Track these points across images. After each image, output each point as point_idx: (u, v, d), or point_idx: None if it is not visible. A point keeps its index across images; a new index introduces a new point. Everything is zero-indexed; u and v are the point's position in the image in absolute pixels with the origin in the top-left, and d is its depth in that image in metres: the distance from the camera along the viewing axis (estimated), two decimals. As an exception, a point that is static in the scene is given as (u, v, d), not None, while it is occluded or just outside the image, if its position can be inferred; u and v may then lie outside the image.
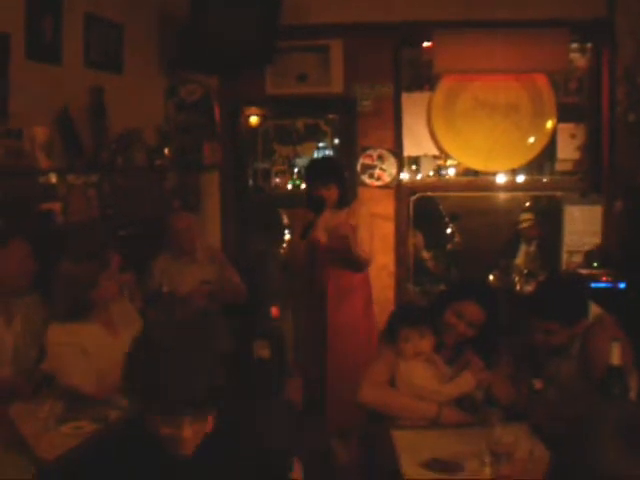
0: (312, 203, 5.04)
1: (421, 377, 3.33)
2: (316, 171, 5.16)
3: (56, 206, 4.45)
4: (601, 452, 1.52)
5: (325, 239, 4.95)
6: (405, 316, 3.48)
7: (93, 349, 3.46)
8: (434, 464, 2.69)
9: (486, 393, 3.29)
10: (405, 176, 6.45)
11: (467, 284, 3.82)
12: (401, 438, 3.00)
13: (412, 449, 2.87)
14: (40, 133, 4.28)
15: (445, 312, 3.41)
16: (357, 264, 4.98)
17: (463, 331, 3.39)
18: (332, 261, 5.00)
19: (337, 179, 5.03)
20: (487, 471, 2.61)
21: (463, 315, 3.39)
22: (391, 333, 3.44)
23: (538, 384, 3.26)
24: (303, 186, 6.89)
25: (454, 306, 3.41)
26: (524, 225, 6.72)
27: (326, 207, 4.96)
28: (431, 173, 6.58)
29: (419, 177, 6.56)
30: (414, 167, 6.56)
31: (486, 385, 3.29)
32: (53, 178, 4.46)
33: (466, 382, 3.29)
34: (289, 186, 7.12)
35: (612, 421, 1.58)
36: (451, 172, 6.60)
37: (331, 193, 4.97)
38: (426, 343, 3.37)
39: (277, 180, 7.19)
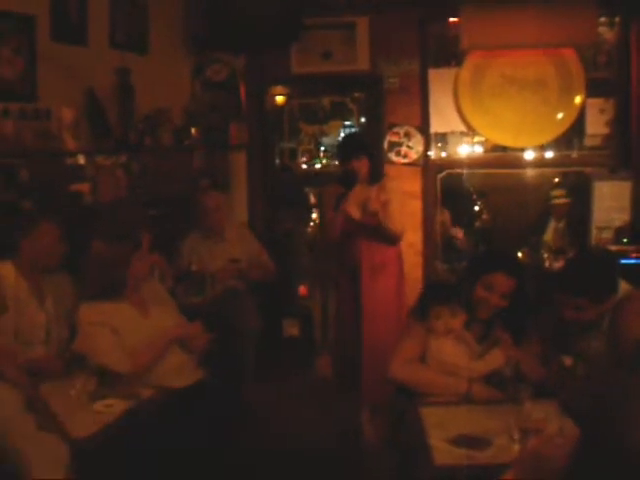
0: (344, 176, 5.06)
1: (451, 354, 3.33)
2: (348, 145, 5.23)
3: (85, 187, 4.49)
4: (629, 428, 1.52)
5: (357, 213, 4.96)
6: (436, 294, 3.48)
7: (124, 329, 3.48)
8: (462, 440, 2.70)
9: (515, 370, 3.28)
10: (432, 153, 6.42)
11: (492, 256, 3.82)
12: (429, 414, 3.00)
13: (440, 425, 2.87)
14: (67, 114, 4.31)
15: (475, 287, 3.40)
16: (389, 237, 5.01)
17: (496, 303, 3.38)
18: (365, 236, 5.01)
19: (368, 152, 5.06)
20: (516, 448, 2.61)
21: (493, 287, 3.39)
22: (422, 311, 3.45)
23: (568, 361, 3.24)
24: (330, 164, 6.92)
25: (483, 279, 3.40)
26: (556, 202, 6.66)
27: (357, 181, 4.98)
28: (459, 150, 6.54)
29: (446, 154, 6.52)
30: (441, 144, 6.52)
31: (515, 362, 3.28)
32: (81, 159, 4.51)
33: (495, 359, 3.29)
34: (316, 165, 7.13)
35: None
36: (479, 149, 6.55)
37: (362, 165, 4.99)
38: (457, 321, 3.37)
39: (304, 159, 7.19)
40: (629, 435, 1.50)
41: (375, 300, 5.04)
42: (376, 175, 5.06)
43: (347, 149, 5.13)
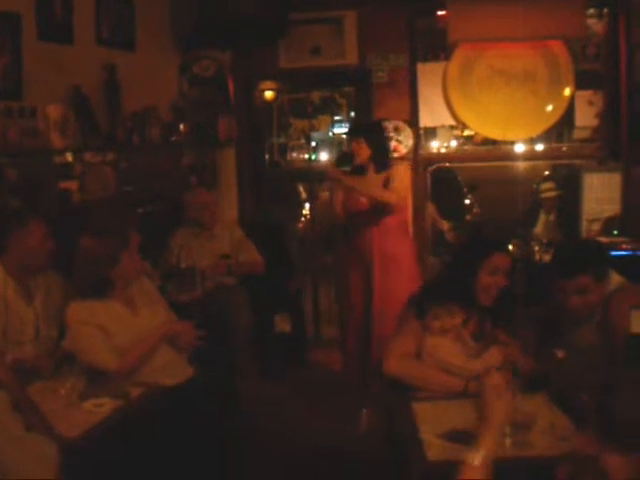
0: (342, 157, 5.11)
1: (448, 353, 3.32)
2: (349, 129, 5.26)
3: (73, 185, 4.47)
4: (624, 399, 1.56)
5: (365, 202, 4.99)
6: (433, 293, 3.45)
7: (113, 327, 3.46)
8: (453, 435, 2.69)
9: (512, 369, 3.26)
10: (422, 147, 6.41)
11: (484, 240, 3.81)
12: (421, 409, 2.99)
13: (432, 420, 2.86)
14: (54, 112, 4.28)
15: (478, 275, 3.38)
16: (384, 210, 4.99)
17: (501, 284, 3.38)
18: (377, 226, 5.02)
19: (366, 135, 5.06)
20: (507, 441, 2.60)
21: (498, 268, 3.38)
22: (419, 309, 3.42)
23: (560, 353, 3.23)
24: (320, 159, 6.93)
25: (486, 265, 3.38)
26: (546, 194, 6.67)
27: (353, 164, 5.03)
28: (448, 144, 6.53)
29: (436, 148, 6.52)
30: (431, 138, 6.52)
31: (513, 360, 3.26)
32: (69, 157, 4.48)
33: (493, 357, 3.27)
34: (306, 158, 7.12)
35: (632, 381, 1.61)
36: (468, 142, 6.56)
37: (360, 148, 5.01)
38: (455, 320, 3.35)
39: (294, 154, 7.18)
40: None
41: (386, 291, 5.02)
42: (382, 163, 5.06)
43: (348, 132, 5.16)
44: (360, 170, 5.06)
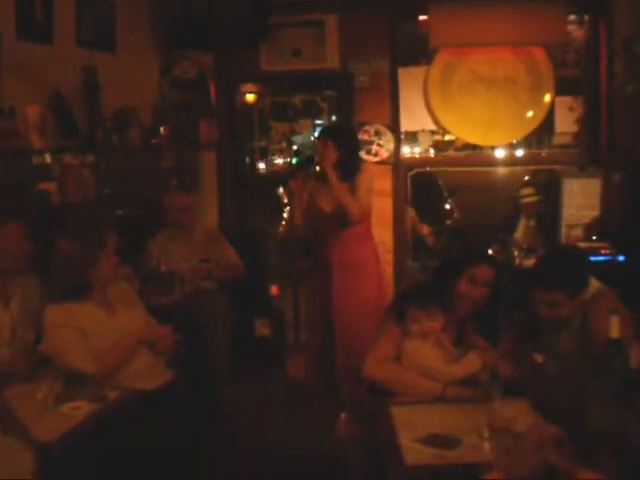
0: (305, 161, 5.08)
1: (427, 357, 3.32)
2: (319, 130, 5.18)
3: (51, 186, 4.44)
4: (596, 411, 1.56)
5: (329, 208, 4.91)
6: (413, 296, 3.46)
7: (90, 330, 3.44)
8: (432, 440, 2.69)
9: (491, 373, 3.26)
10: (403, 151, 6.42)
11: (472, 250, 3.83)
12: (399, 414, 2.99)
13: (410, 425, 2.86)
14: (33, 113, 4.25)
15: (457, 283, 3.41)
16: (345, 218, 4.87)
17: (479, 295, 3.43)
18: (334, 232, 4.92)
19: (334, 138, 4.90)
20: (486, 446, 2.60)
21: (477, 279, 3.43)
22: (399, 312, 3.43)
23: (539, 359, 3.24)
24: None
25: (466, 274, 3.41)
26: (526, 200, 6.69)
27: (315, 165, 4.98)
28: (429, 149, 6.54)
29: (417, 152, 6.53)
30: (411, 142, 6.52)
31: (492, 366, 3.26)
32: (48, 158, 4.45)
33: (472, 363, 3.27)
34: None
35: (606, 386, 1.62)
36: (449, 147, 6.56)
37: (328, 151, 4.85)
38: (434, 324, 3.36)
39: (275, 158, 7.17)
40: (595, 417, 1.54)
41: (348, 300, 4.95)
42: (348, 171, 4.88)
43: (318, 133, 5.07)
44: (322, 175, 4.93)
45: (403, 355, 3.36)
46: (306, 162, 5.09)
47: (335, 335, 4.98)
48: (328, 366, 5.03)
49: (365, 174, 4.98)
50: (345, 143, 4.94)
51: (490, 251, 6.12)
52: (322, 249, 5.04)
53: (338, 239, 4.94)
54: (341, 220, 4.87)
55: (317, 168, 5.03)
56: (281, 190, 7.29)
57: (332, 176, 4.80)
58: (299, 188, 5.00)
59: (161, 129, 5.80)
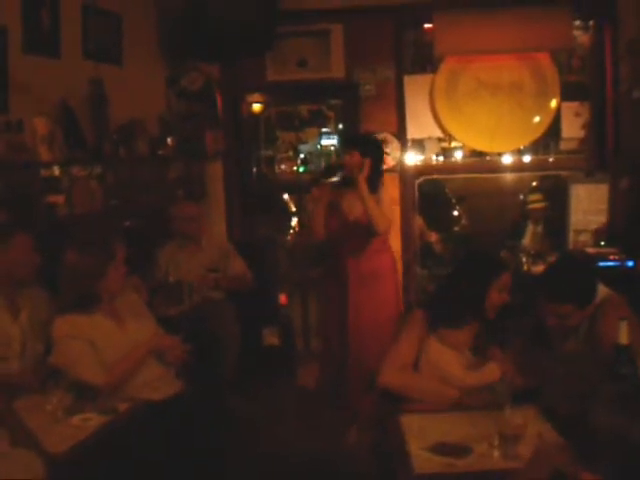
0: (328, 170, 5.00)
1: (448, 362, 3.32)
2: (344, 140, 5.12)
3: (59, 199, 4.45)
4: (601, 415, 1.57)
5: (353, 217, 4.89)
6: (446, 306, 3.42)
7: (100, 341, 3.44)
8: (441, 448, 2.68)
9: (508, 386, 3.24)
10: (410, 159, 6.42)
11: (494, 259, 3.80)
12: (409, 422, 2.99)
13: (420, 433, 2.86)
14: (41, 125, 4.27)
15: (490, 293, 3.40)
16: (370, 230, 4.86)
17: (505, 300, 3.44)
18: (353, 242, 4.91)
19: (362, 148, 4.86)
20: (495, 454, 2.60)
21: (505, 287, 3.44)
22: (433, 320, 3.39)
23: (546, 364, 3.23)
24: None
25: (496, 283, 3.41)
26: (534, 206, 6.68)
27: (344, 175, 4.88)
28: (436, 156, 6.55)
29: (423, 160, 6.54)
30: (418, 150, 6.53)
31: (510, 377, 3.25)
32: (56, 170, 4.46)
33: (491, 372, 3.27)
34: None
35: (611, 391, 1.63)
36: (456, 154, 6.57)
37: (353, 160, 4.83)
38: (465, 335, 3.36)
39: (282, 167, 7.18)
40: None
41: (364, 310, 4.91)
42: (374, 183, 4.86)
43: (342, 143, 5.02)
44: (349, 183, 4.90)
45: (423, 356, 3.35)
46: (331, 170, 5.03)
47: (349, 345, 4.95)
48: (340, 375, 5.01)
49: (386, 186, 5.01)
50: (372, 154, 4.91)
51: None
52: (339, 258, 5.01)
53: (356, 248, 4.92)
54: (363, 230, 4.86)
55: (335, 178, 4.96)
56: (287, 197, 7.32)
57: (364, 189, 4.76)
58: (322, 196, 4.96)
59: (168, 140, 5.82)
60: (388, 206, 4.89)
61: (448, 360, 3.33)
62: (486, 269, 3.55)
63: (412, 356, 3.38)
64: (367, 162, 4.79)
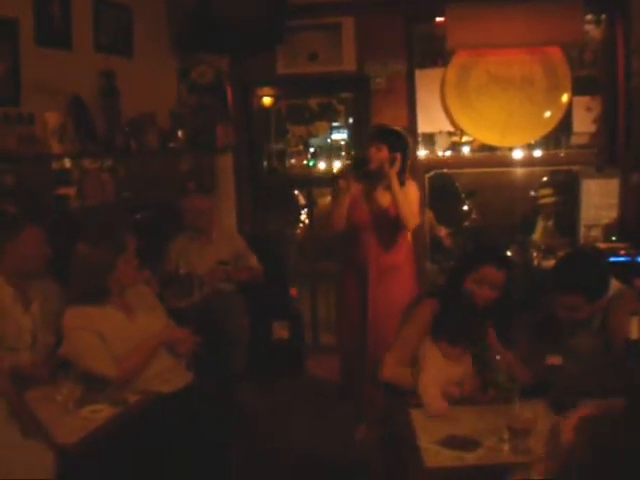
0: (357, 162, 4.88)
1: (435, 377, 3.29)
2: (372, 133, 5.06)
3: (71, 191, 4.47)
4: None
5: (381, 211, 4.82)
6: (452, 335, 3.38)
7: (110, 333, 3.45)
8: (451, 441, 2.68)
9: (508, 376, 3.23)
10: (420, 153, 6.42)
11: (480, 250, 3.78)
12: (419, 416, 2.99)
13: (430, 427, 2.86)
14: (52, 118, 4.29)
15: (465, 281, 3.39)
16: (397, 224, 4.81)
17: (486, 296, 3.39)
18: (375, 236, 4.85)
19: (391, 143, 4.77)
20: (505, 448, 2.60)
21: (484, 281, 3.39)
22: (436, 331, 3.36)
23: (555, 360, 3.21)
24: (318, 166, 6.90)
25: (474, 274, 3.39)
26: (544, 200, 6.66)
27: (367, 170, 4.77)
28: (445, 150, 6.54)
29: (434, 154, 6.53)
30: (429, 144, 6.52)
31: (507, 366, 3.24)
32: (67, 163, 4.48)
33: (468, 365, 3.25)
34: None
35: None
36: (466, 149, 6.56)
37: (381, 154, 4.74)
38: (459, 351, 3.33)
39: (292, 161, 7.17)
40: None
41: (383, 303, 4.84)
42: (402, 177, 4.77)
43: (370, 137, 4.92)
44: (376, 178, 4.82)
45: (421, 350, 3.33)
46: (361, 163, 4.93)
47: (368, 339, 4.92)
48: (357, 369, 4.97)
49: (412, 180, 4.94)
50: (400, 148, 4.82)
51: (509, 252, 6.11)
52: (358, 251, 4.92)
53: (377, 243, 4.88)
54: (391, 223, 4.81)
55: (357, 170, 4.81)
56: (297, 192, 7.31)
57: (396, 184, 4.70)
58: (347, 188, 4.89)
59: (178, 133, 5.83)
60: (416, 203, 4.86)
61: (431, 366, 3.26)
62: (469, 256, 3.64)
63: (414, 349, 3.37)
64: (398, 157, 4.73)
